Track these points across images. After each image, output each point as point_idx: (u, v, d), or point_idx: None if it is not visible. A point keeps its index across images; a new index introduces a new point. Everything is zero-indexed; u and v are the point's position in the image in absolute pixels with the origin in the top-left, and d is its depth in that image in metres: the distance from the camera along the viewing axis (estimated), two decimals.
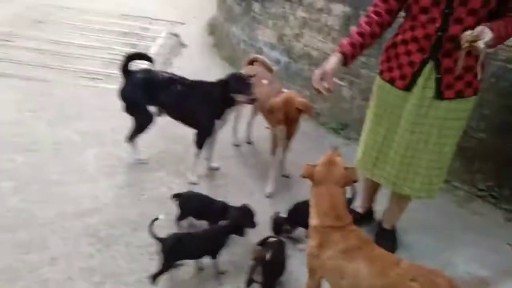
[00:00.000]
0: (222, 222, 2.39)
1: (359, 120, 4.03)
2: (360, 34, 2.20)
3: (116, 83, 3.12)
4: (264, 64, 3.60)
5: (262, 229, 2.49)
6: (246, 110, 3.68)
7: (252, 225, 2.44)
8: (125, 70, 3.02)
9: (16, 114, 3.83)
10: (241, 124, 3.78)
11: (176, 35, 6.94)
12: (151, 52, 5.94)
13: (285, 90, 3.30)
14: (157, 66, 5.06)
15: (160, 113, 3.12)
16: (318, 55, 4.41)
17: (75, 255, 2.37)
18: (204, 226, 2.58)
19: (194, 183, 3.13)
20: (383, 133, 2.38)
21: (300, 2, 4.54)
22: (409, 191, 2.41)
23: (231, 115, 3.14)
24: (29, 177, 2.98)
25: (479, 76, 2.07)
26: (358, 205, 2.90)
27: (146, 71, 3.10)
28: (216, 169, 3.33)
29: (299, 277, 2.28)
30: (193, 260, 2.34)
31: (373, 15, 2.21)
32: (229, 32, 6.12)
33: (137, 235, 2.57)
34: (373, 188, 2.79)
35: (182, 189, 3.04)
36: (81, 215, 2.68)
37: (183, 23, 7.98)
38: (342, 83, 4.20)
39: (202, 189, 3.06)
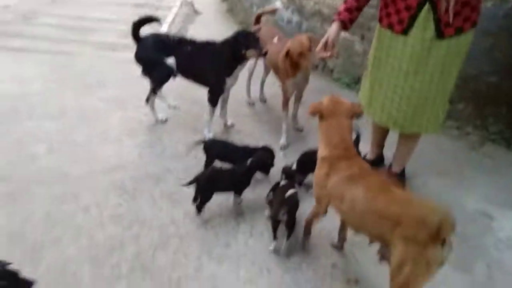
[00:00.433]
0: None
1: None
2: None
3: (133, 52, 3.28)
4: (270, 11, 3.82)
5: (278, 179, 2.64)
6: (259, 69, 3.78)
7: (272, 164, 2.71)
8: (136, 36, 3.18)
9: (43, 85, 4.07)
10: (254, 83, 3.89)
11: (190, 3, 7.00)
12: (167, 20, 6.07)
13: None
14: (173, 33, 5.19)
15: (175, 74, 3.25)
16: (329, 12, 4.42)
17: (105, 205, 2.60)
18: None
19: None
20: (386, 79, 2.46)
21: None
22: (417, 129, 2.52)
23: (241, 72, 3.25)
24: (59, 140, 3.22)
25: (450, 20, 2.16)
26: (368, 152, 3.00)
27: (157, 34, 3.26)
28: (231, 126, 3.47)
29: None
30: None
31: None
32: None
33: (160, 186, 2.78)
34: (381, 133, 2.88)
35: (199, 146, 3.23)
36: (108, 171, 2.90)
37: None
38: (353, 37, 4.22)
39: None
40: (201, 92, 3.31)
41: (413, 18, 2.24)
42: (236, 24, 6.19)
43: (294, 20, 4.91)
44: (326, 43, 2.37)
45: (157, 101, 3.46)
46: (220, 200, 2.61)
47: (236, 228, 2.47)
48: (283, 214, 2.20)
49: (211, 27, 6.09)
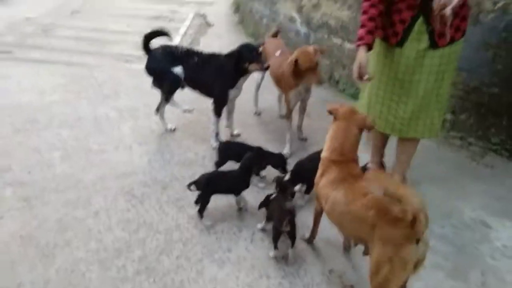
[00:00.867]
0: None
1: None
2: (371, 19, 2.34)
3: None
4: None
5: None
6: (268, 79, 3.89)
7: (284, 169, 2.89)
8: (147, 49, 3.35)
9: (61, 96, 4.28)
10: (261, 93, 4.01)
11: (202, 15, 7.20)
12: (179, 32, 6.27)
13: None
14: (185, 45, 5.37)
15: (183, 85, 3.40)
16: (336, 24, 4.52)
17: (114, 209, 2.74)
18: None
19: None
20: (383, 88, 2.57)
21: None
22: (414, 134, 2.63)
23: (246, 83, 3.37)
24: (73, 148, 3.39)
25: (448, 37, 2.28)
26: (369, 161, 3.08)
27: (165, 46, 3.42)
28: (238, 135, 3.60)
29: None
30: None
31: None
32: (252, 8, 6.30)
33: (167, 192, 2.91)
34: (381, 141, 2.97)
35: (207, 154, 3.38)
36: (118, 177, 3.05)
37: (211, 4, 8.24)
38: None
39: None
40: (209, 103, 3.44)
41: (407, 31, 2.36)
42: (247, 36, 6.35)
43: (302, 32, 5.03)
44: (360, 70, 2.37)
45: (166, 110, 3.62)
46: (223, 206, 2.73)
47: (237, 233, 2.57)
48: (286, 225, 2.28)
49: (223, 38, 6.26)
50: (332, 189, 2.03)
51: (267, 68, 3.17)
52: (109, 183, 2.99)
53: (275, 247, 2.36)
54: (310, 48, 3.06)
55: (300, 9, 5.04)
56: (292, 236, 2.32)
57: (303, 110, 3.48)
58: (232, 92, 3.30)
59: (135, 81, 4.61)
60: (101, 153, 3.34)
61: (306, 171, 2.76)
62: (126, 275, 2.25)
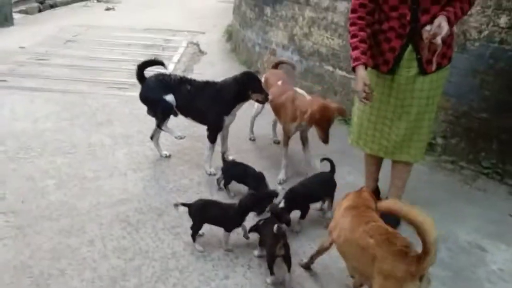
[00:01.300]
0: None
1: None
2: (362, 41, 2.45)
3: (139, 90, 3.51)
4: (288, 64, 4.11)
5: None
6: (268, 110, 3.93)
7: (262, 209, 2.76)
8: (141, 77, 3.43)
9: (55, 123, 4.28)
10: (256, 120, 4.05)
11: (195, 43, 7.34)
12: (173, 60, 6.36)
13: (298, 89, 3.56)
14: (179, 73, 5.44)
15: (176, 112, 3.44)
16: (327, 51, 4.65)
17: (109, 237, 2.71)
18: None
19: (213, 174, 3.42)
20: (375, 113, 2.65)
21: (308, 3, 4.81)
22: (408, 157, 2.69)
23: (239, 111, 3.42)
24: (68, 175, 3.37)
25: (434, 66, 2.40)
26: (364, 187, 3.10)
27: (158, 75, 3.50)
28: (224, 161, 3.60)
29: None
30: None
31: (359, 21, 2.47)
32: (244, 37, 6.45)
33: (162, 219, 2.89)
34: (375, 165, 3.01)
35: (202, 180, 3.38)
36: (113, 204, 3.03)
37: (203, 33, 8.41)
38: (350, 76, 4.41)
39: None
40: (203, 130, 3.47)
41: (397, 59, 2.45)
42: (240, 64, 6.47)
43: (294, 60, 5.15)
44: (366, 87, 2.39)
45: (161, 137, 3.64)
46: (220, 234, 2.71)
47: (234, 260, 2.55)
48: (280, 248, 2.27)
49: (216, 66, 6.36)
50: (343, 216, 2.04)
51: (267, 100, 3.23)
52: (104, 211, 2.96)
53: (271, 273, 2.34)
54: (332, 106, 2.99)
55: (291, 38, 5.18)
56: (287, 259, 2.30)
57: (306, 140, 3.44)
58: (227, 119, 3.34)
59: (128, 108, 4.64)
60: (95, 180, 3.33)
61: (300, 197, 2.77)
62: None
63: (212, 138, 3.40)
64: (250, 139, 4.07)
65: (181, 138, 3.47)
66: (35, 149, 3.74)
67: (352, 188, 2.36)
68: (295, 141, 3.50)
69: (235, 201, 2.73)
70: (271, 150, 3.92)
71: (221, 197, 3.10)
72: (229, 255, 2.58)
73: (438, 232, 2.70)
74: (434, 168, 3.57)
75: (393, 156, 2.73)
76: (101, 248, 2.61)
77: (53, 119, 4.37)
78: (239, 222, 2.61)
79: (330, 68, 4.64)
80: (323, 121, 2.95)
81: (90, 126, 4.26)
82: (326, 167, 2.98)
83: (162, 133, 3.61)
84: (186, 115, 3.46)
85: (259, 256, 2.55)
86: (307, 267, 2.47)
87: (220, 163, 3.58)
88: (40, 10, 9.73)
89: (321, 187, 2.88)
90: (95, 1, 11.87)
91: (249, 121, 4.04)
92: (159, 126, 3.49)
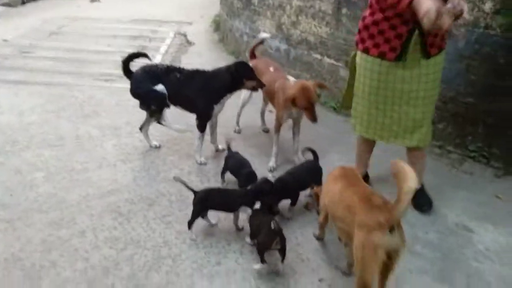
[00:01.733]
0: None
1: None
2: None
3: (128, 82, 3.46)
4: (258, 43, 3.98)
5: None
6: (257, 99, 3.92)
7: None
8: (127, 72, 3.40)
9: (41, 116, 4.21)
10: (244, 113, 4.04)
11: (183, 34, 7.27)
12: (160, 51, 6.30)
13: (289, 76, 3.56)
14: (167, 63, 5.39)
15: (169, 105, 3.41)
16: (315, 40, 4.65)
17: (101, 228, 2.70)
18: None
19: (203, 163, 3.42)
20: (383, 100, 2.64)
21: None
22: (419, 142, 2.72)
23: (228, 100, 3.41)
24: (56, 168, 3.34)
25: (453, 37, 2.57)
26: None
27: (145, 66, 3.45)
28: (222, 150, 3.60)
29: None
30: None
31: None
32: (232, 27, 6.40)
33: (153, 209, 2.89)
34: (368, 152, 3.04)
35: (193, 170, 3.38)
36: (103, 195, 3.02)
37: (190, 23, 8.32)
38: (338, 63, 4.43)
39: (210, 169, 3.39)
40: (193, 119, 3.45)
41: (405, 45, 2.45)
42: (228, 54, 6.42)
43: (282, 48, 5.14)
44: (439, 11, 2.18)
45: (150, 127, 3.61)
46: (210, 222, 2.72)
47: (226, 247, 2.57)
48: (277, 243, 2.27)
49: (204, 56, 6.31)
50: (334, 183, 2.26)
51: (262, 87, 3.23)
52: (94, 202, 2.94)
53: (262, 261, 2.32)
54: (310, 84, 3.08)
55: (279, 26, 5.16)
56: (283, 251, 2.32)
57: (297, 132, 3.45)
58: (216, 107, 3.33)
59: (116, 99, 4.59)
60: (84, 172, 3.30)
61: (289, 186, 2.79)
62: None
63: (201, 127, 3.39)
64: (235, 131, 4.03)
65: (182, 131, 3.43)
66: (21, 142, 3.69)
67: None
68: (285, 129, 3.50)
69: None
70: (260, 138, 3.92)
71: (212, 185, 3.11)
72: (221, 242, 2.60)
73: (427, 215, 2.81)
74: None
75: (404, 142, 2.74)
76: (92, 239, 2.60)
77: (38, 111, 4.31)
78: (248, 204, 2.59)
79: (318, 56, 4.65)
80: (305, 101, 3.01)
81: (77, 118, 4.21)
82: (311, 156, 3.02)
83: (152, 124, 3.59)
84: (175, 103, 3.43)
85: (251, 244, 2.56)
86: (320, 238, 2.62)
87: (211, 153, 3.60)
88: (23, 2, 9.49)
89: (308, 175, 2.90)
90: None
91: (236, 111, 4.02)
92: (158, 121, 3.44)
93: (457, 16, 2.26)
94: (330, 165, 3.09)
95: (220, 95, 3.29)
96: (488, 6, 3.19)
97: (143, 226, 2.72)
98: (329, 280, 2.34)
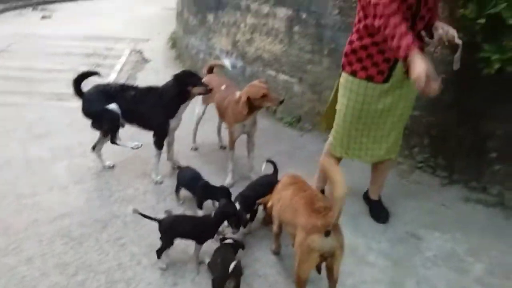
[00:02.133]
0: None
1: (310, 112, 4.39)
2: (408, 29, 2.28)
3: (80, 101, 3.38)
4: (219, 64, 4.07)
5: None
6: (214, 115, 3.92)
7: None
8: (79, 92, 3.33)
9: None
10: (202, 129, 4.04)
11: (139, 51, 7.21)
12: (115, 69, 6.21)
13: (237, 92, 3.60)
14: (122, 81, 5.33)
15: (123, 124, 3.37)
16: (269, 57, 4.75)
17: (50, 254, 2.59)
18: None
19: (159, 182, 3.38)
20: (363, 121, 2.70)
21: (249, 9, 4.89)
22: (389, 156, 2.87)
23: (183, 113, 3.38)
24: (3, 192, 3.19)
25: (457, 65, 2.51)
26: (314, 185, 3.19)
27: (97, 85, 3.38)
28: (179, 167, 3.58)
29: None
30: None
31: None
32: (188, 43, 6.43)
33: (107, 231, 2.81)
34: None
35: (149, 189, 3.32)
36: (53, 219, 2.91)
37: (147, 40, 8.27)
38: (292, 79, 4.54)
39: (167, 187, 3.34)
40: (147, 137, 3.41)
41: (392, 68, 2.53)
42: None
43: (238, 65, 5.20)
44: (429, 74, 2.17)
45: (103, 147, 3.54)
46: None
47: (183, 268, 2.54)
48: (230, 283, 2.21)
49: (160, 73, 6.26)
50: (284, 190, 2.42)
51: (210, 91, 3.24)
52: (43, 227, 2.83)
53: None
54: (256, 81, 3.22)
55: (235, 44, 5.23)
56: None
57: (252, 146, 3.47)
58: (172, 122, 3.31)
59: (68, 119, 4.46)
60: (33, 196, 3.17)
61: (251, 200, 2.82)
62: None
63: (158, 144, 3.35)
64: (191, 148, 4.02)
65: (138, 147, 3.37)
66: None
67: None
68: (240, 145, 3.53)
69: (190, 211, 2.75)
70: (218, 155, 3.93)
71: (168, 205, 3.07)
72: (176, 263, 2.56)
73: (379, 225, 2.91)
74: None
75: (379, 159, 2.85)
76: (40, 266, 2.50)
77: None
78: (212, 234, 2.56)
79: (273, 73, 4.74)
80: (258, 91, 3.07)
81: (27, 140, 4.06)
82: (269, 170, 3.06)
83: (105, 144, 3.51)
84: (131, 121, 3.38)
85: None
86: (276, 252, 2.67)
87: (167, 171, 3.56)
88: None
89: (267, 188, 2.93)
90: (30, 9, 11.30)
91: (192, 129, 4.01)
92: (112, 141, 3.35)
93: (450, 42, 2.43)
94: None
95: (173, 108, 3.27)
96: None
97: (96, 249, 2.65)
98: None
